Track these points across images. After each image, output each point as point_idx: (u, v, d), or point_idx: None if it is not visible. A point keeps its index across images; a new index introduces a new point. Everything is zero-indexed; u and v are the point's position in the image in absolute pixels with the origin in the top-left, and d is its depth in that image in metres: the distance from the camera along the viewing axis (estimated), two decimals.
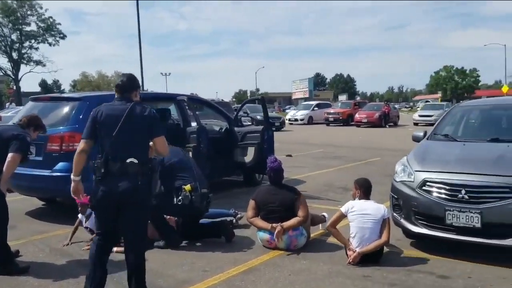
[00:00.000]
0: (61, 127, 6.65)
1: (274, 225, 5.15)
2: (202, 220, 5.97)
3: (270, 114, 13.74)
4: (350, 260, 4.65)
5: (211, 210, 6.23)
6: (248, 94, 71.80)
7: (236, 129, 8.71)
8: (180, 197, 5.25)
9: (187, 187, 5.26)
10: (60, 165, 6.49)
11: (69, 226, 5.86)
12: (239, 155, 8.62)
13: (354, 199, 5.02)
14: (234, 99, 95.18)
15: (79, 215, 5.82)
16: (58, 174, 6.43)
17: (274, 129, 10.98)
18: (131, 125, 3.62)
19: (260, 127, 8.41)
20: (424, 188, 4.93)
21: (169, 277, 4.44)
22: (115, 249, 5.23)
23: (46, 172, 6.54)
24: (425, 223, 4.91)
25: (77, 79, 77.66)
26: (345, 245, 4.84)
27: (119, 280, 4.39)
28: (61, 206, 7.39)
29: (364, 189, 5.00)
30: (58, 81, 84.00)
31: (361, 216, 4.79)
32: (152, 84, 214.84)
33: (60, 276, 4.55)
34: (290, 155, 14.20)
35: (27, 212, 7.20)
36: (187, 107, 7.58)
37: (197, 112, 8.24)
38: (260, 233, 5.31)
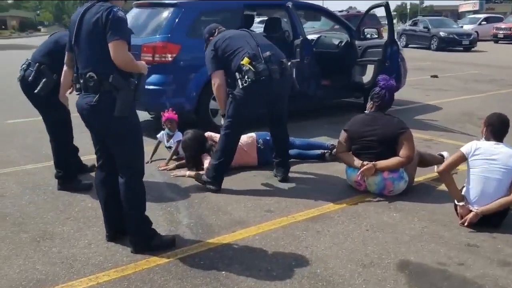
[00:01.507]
0: (154, 36, 6.18)
1: (365, 162, 4.16)
2: (292, 151, 5.17)
3: (457, 29, 11.68)
4: (466, 222, 3.53)
5: (302, 141, 5.39)
6: (408, 7, 65.66)
7: (357, 42, 7.46)
8: (244, 77, 4.08)
9: (244, 60, 4.12)
10: (152, 77, 6.09)
11: None
12: (357, 74, 7.43)
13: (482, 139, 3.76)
14: (395, 12, 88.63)
15: (159, 134, 5.43)
16: (150, 87, 6.06)
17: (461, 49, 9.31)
18: (86, 31, 2.95)
19: (383, 41, 7.04)
20: None
21: (225, 215, 3.80)
22: (187, 173, 4.76)
23: None
24: None
25: None
26: (456, 199, 3.67)
27: (173, 210, 3.89)
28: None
29: (494, 128, 3.67)
30: None
31: (487, 162, 3.54)
32: None
33: None
34: (435, 76, 12.45)
35: None
36: (295, 16, 6.53)
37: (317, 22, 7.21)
38: (348, 171, 4.36)
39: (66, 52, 3.35)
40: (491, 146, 3.61)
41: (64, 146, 4.40)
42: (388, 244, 3.30)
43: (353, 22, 12.02)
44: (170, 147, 5.32)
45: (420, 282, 2.83)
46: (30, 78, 4.18)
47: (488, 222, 3.51)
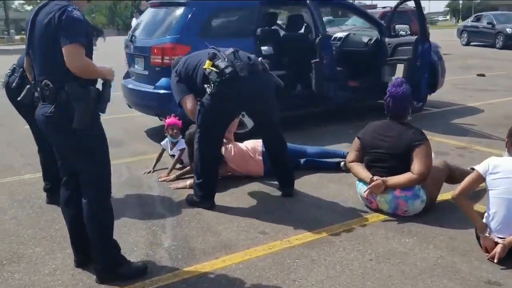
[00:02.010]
0: (164, 37, 5.86)
1: (375, 177, 3.65)
2: (303, 160, 4.72)
3: None
4: (491, 257, 2.95)
5: (317, 149, 4.92)
6: (460, 2, 62.87)
7: (387, 40, 6.87)
8: (210, 81, 3.66)
9: (206, 64, 3.68)
10: (161, 81, 5.78)
11: None
12: (387, 74, 6.84)
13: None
14: (447, 8, 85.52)
15: (163, 142, 5.09)
16: (160, 91, 5.75)
17: None
18: (38, 34, 2.62)
19: (413, 38, 6.41)
20: None
21: (213, 237, 3.39)
22: (188, 182, 4.39)
23: (150, 88, 5.93)
24: None
25: None
26: (478, 228, 3.11)
27: (158, 230, 3.52)
28: None
29: None
30: None
31: (509, 181, 2.97)
32: None
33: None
34: (482, 75, 11.57)
35: (148, 129, 6.80)
36: (315, 12, 6.03)
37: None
38: (359, 185, 3.86)
39: (25, 57, 3.03)
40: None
41: (52, 157, 4.11)
42: (392, 279, 2.79)
43: (404, 19, 11.36)
44: (174, 155, 4.98)
45: None
46: (13, 84, 3.93)
47: None
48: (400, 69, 6.66)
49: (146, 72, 6.06)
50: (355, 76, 7.04)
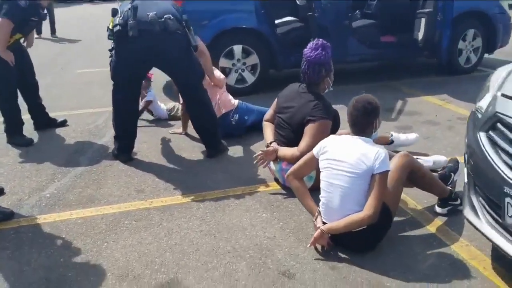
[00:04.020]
0: None
1: (272, 144, 3.43)
2: (249, 121, 4.48)
3: None
4: (310, 243, 2.63)
5: (246, 106, 4.60)
6: None
7: None
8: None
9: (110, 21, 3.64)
10: None
11: None
12: (416, 29, 6.01)
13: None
14: None
15: None
16: None
17: None
18: None
19: None
20: (491, 132, 2.27)
21: (94, 189, 3.50)
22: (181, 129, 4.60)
23: None
24: (487, 210, 2.31)
25: None
26: (309, 211, 2.81)
27: (60, 176, 3.73)
28: None
29: (352, 117, 2.64)
30: None
31: (331, 163, 2.59)
32: None
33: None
34: None
35: None
36: None
37: None
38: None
39: None
40: (342, 143, 2.63)
41: (5, 102, 4.50)
42: (199, 254, 2.65)
43: None
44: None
45: None
46: None
47: (356, 245, 2.58)
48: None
49: None
50: (389, 31, 6.35)
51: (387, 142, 3.73)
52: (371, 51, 6.24)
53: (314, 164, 2.74)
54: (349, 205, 2.50)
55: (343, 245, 2.60)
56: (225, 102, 4.41)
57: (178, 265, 2.55)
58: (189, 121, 4.44)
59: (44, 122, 4.91)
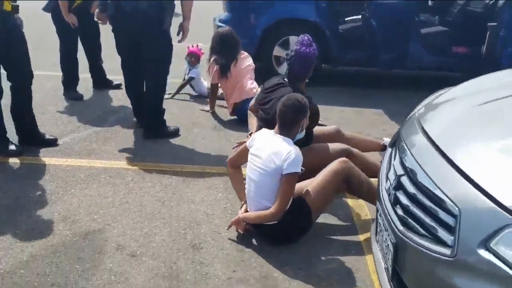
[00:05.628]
0: None
1: (251, 134, 3.56)
2: None
3: None
4: (227, 226, 2.81)
5: None
6: None
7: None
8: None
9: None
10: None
11: None
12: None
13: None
14: None
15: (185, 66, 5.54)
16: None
17: None
18: None
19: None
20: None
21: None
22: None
23: None
24: None
25: None
26: (240, 199, 2.96)
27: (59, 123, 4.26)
28: None
29: (281, 113, 2.71)
30: None
31: (252, 158, 2.75)
32: None
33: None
34: None
35: None
36: None
37: None
38: None
39: None
40: (266, 138, 2.74)
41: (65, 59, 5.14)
42: (104, 217, 2.94)
43: None
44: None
45: None
46: None
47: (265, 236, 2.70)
48: None
49: None
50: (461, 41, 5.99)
51: (379, 148, 3.68)
52: (438, 59, 5.93)
53: (246, 154, 2.86)
54: (262, 200, 2.65)
55: (262, 234, 2.72)
56: (247, 89, 4.59)
57: (113, 219, 2.88)
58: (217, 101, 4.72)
59: (101, 82, 5.51)
